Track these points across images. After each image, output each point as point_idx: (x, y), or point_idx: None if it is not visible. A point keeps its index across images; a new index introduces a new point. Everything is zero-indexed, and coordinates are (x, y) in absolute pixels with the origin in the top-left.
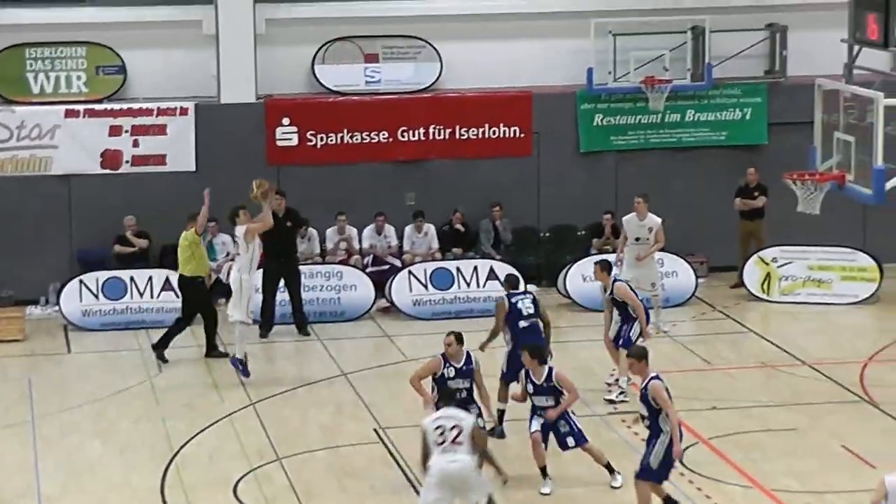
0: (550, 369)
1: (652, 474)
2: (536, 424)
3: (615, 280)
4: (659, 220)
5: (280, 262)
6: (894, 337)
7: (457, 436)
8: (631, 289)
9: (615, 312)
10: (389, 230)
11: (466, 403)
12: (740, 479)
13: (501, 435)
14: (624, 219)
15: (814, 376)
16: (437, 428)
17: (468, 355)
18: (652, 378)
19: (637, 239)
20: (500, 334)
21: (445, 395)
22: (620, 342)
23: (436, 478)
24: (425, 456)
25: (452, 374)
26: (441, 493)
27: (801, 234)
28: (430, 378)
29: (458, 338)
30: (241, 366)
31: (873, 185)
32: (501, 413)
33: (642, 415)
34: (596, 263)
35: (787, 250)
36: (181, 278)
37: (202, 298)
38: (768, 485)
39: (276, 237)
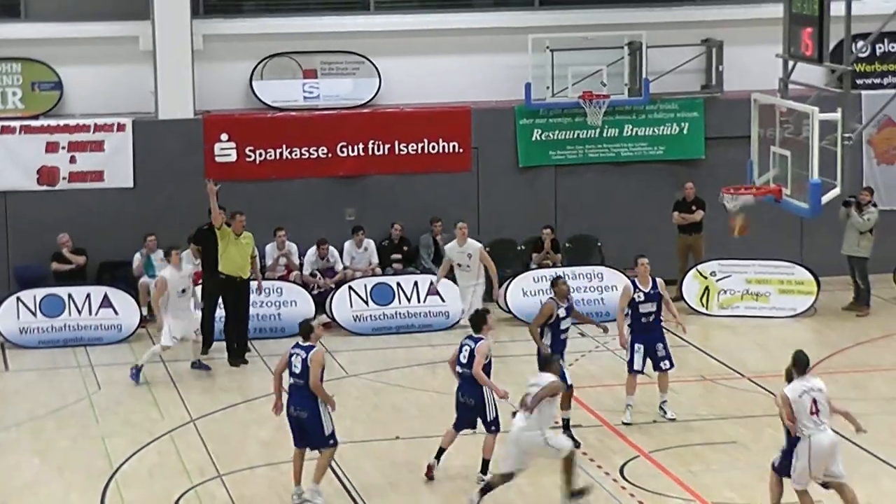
0: (654, 279)
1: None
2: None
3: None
4: (479, 245)
5: (222, 279)
6: (832, 350)
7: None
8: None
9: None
10: (333, 253)
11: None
12: (682, 492)
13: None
14: (447, 247)
15: (753, 389)
16: None
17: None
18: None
19: (458, 265)
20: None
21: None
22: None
23: None
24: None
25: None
26: None
27: (739, 247)
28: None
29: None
30: (136, 371)
31: (809, 198)
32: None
33: None
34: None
35: (726, 264)
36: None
37: (235, 298)
38: (710, 498)
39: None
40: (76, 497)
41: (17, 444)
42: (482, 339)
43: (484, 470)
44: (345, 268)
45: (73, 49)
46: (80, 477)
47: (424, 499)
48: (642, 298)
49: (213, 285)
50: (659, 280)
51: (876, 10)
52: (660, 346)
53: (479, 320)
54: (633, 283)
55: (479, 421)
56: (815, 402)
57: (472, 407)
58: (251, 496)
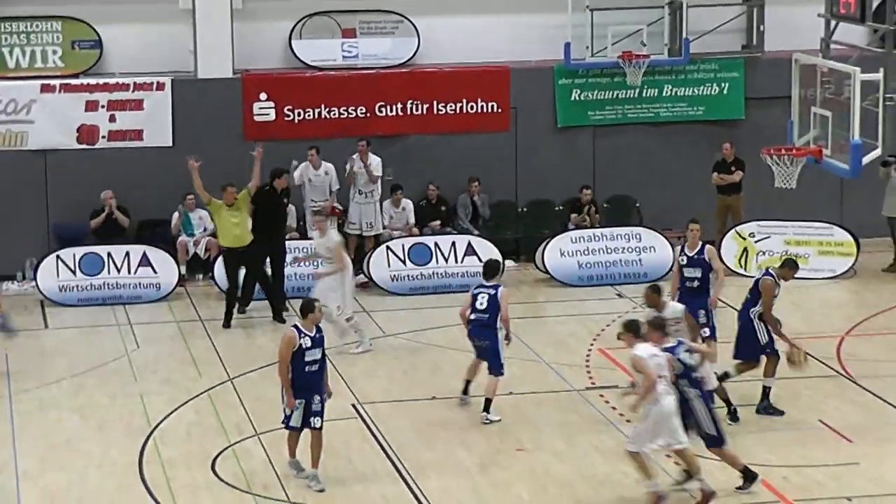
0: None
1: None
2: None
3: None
4: (337, 238)
5: (270, 238)
6: (870, 311)
7: None
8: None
9: None
10: (407, 203)
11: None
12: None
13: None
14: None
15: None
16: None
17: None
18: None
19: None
20: None
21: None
22: None
23: None
24: None
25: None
26: None
27: (778, 208)
28: None
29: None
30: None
31: (850, 159)
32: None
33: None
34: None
35: (765, 225)
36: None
37: (248, 263)
38: (747, 459)
39: (271, 214)
40: (115, 454)
41: (58, 400)
42: (500, 286)
43: (486, 408)
44: (384, 227)
45: (113, 7)
46: (118, 434)
47: (460, 457)
48: (685, 262)
49: (263, 246)
50: (709, 247)
51: None
52: (701, 312)
53: (495, 268)
54: (682, 246)
55: (487, 364)
56: (659, 366)
57: (484, 349)
58: (287, 455)
